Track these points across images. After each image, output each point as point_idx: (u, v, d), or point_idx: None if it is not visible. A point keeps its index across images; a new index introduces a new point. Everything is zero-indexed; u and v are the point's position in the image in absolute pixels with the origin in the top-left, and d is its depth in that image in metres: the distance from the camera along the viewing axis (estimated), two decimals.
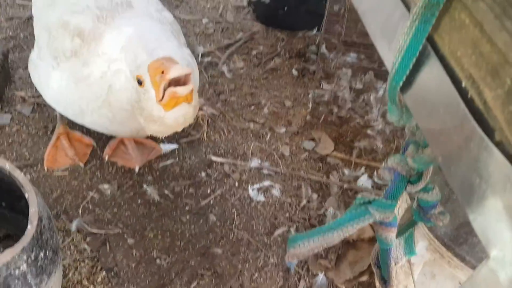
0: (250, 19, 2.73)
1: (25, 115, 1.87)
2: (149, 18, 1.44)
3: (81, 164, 1.73)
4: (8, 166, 1.14)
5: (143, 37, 1.36)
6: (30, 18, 2.35)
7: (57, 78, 1.41)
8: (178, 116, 1.19)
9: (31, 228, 1.03)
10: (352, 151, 1.97)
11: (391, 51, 0.71)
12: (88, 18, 1.40)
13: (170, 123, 1.22)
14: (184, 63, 1.44)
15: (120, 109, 1.32)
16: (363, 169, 1.90)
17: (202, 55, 2.38)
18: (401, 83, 0.64)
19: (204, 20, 2.67)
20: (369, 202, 0.81)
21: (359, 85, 2.23)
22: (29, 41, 2.25)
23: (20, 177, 1.13)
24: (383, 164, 0.78)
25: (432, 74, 0.61)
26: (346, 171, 1.89)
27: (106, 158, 1.75)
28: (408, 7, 0.69)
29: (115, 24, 1.39)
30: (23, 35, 2.31)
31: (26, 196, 1.10)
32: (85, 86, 1.35)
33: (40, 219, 1.07)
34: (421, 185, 0.75)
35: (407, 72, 0.63)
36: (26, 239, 1.02)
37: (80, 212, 1.60)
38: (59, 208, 1.60)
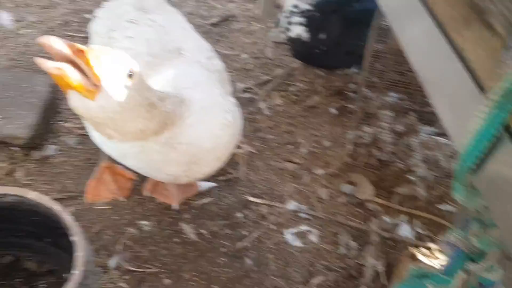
0: (289, 55, 2.75)
1: (71, 146, 1.91)
2: (197, 65, 1.47)
3: (122, 199, 1.74)
4: (55, 207, 1.16)
5: (178, 78, 1.38)
6: None
7: None
8: (75, 105, 1.03)
9: (77, 274, 1.04)
10: (392, 197, 1.93)
11: (459, 128, 0.69)
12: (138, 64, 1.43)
13: (72, 107, 1.05)
14: (221, 107, 1.41)
15: (153, 152, 1.30)
16: (403, 217, 1.85)
17: (241, 91, 2.40)
18: (472, 166, 0.62)
19: (244, 56, 2.70)
20: (425, 276, 0.78)
21: (400, 127, 2.19)
22: None
23: (67, 218, 1.15)
24: (444, 237, 0.76)
25: (507, 161, 0.59)
26: (386, 218, 1.85)
27: (146, 194, 1.76)
28: (477, 83, 0.67)
29: (160, 70, 1.42)
30: None
31: (72, 239, 1.11)
32: None
33: (85, 264, 1.08)
34: (483, 265, 0.72)
35: (480, 155, 0.61)
36: (72, 285, 1.02)
37: (119, 248, 1.61)
38: (99, 243, 1.62)
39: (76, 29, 2.67)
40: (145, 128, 1.16)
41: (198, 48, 1.55)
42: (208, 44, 1.66)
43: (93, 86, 0.99)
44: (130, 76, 1.06)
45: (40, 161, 1.84)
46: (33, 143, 1.83)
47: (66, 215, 1.15)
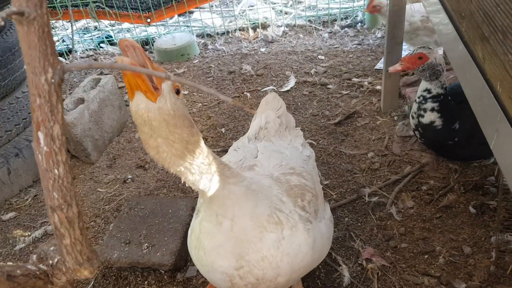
0: (418, 150, 2.66)
1: None
2: (264, 177, 1.52)
3: None
4: None
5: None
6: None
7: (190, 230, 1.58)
8: (138, 109, 1.08)
9: None
10: None
11: None
12: None
13: (133, 115, 1.10)
14: (273, 204, 1.36)
15: (205, 233, 1.34)
16: None
17: (369, 195, 2.37)
18: None
19: (370, 154, 2.69)
20: None
21: None
22: None
23: None
24: None
25: None
26: None
27: None
28: None
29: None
30: None
31: None
32: (194, 237, 1.45)
33: None
34: None
35: None
36: None
37: None
38: None
39: (213, 144, 2.96)
40: (188, 139, 1.15)
41: (277, 166, 1.61)
42: (302, 163, 1.70)
43: (155, 90, 1.08)
44: (177, 92, 1.13)
45: (184, 283, 2.01)
46: (177, 267, 2.02)
47: None
